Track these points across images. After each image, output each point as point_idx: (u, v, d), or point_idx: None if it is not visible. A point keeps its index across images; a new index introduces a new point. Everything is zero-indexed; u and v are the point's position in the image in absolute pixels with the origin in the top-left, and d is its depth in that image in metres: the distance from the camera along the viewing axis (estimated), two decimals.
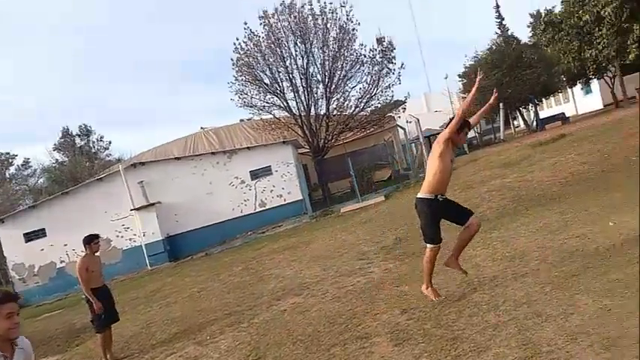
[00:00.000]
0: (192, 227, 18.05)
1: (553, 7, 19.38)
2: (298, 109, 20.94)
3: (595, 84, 29.26)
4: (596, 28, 10.34)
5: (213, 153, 20.11)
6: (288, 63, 20.39)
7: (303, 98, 20.82)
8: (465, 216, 4.82)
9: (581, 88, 31.04)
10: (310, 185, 23.05)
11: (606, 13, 9.67)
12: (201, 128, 27.56)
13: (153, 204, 17.67)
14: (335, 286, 6.89)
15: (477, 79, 4.92)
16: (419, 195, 4.89)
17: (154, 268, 16.72)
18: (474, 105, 5.59)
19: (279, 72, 20.55)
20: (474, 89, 4.79)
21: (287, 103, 20.97)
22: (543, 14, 22.74)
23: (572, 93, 33.69)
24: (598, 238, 5.46)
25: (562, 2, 12.02)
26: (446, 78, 53.28)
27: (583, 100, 33.16)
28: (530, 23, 29.30)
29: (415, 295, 5.37)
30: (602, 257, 4.87)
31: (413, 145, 27.35)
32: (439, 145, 4.74)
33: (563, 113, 28.04)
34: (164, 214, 17.99)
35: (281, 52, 20.24)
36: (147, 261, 17.26)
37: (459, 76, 31.16)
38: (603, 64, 17.96)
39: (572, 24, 10.95)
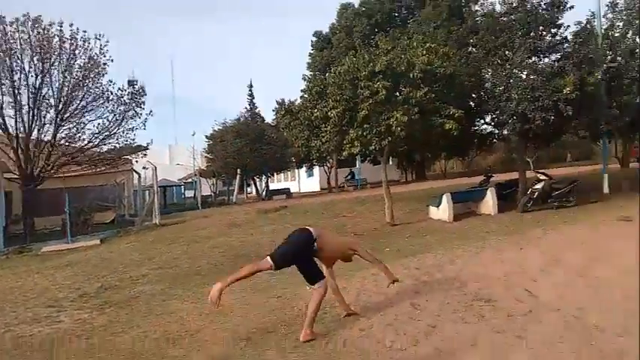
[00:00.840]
0: None
1: (295, 100, 22.17)
2: (17, 129, 17.89)
3: (317, 170, 34.23)
4: (323, 125, 12.13)
5: None
6: (16, 77, 17.55)
7: (26, 119, 17.96)
8: (316, 277, 4.63)
9: (306, 171, 35.80)
10: (10, 216, 19.25)
11: (332, 115, 11.45)
12: None
13: None
14: (8, 336, 5.62)
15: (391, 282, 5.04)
16: (307, 227, 4.81)
17: None
18: None
19: (2, 84, 17.44)
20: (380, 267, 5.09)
21: (3, 119, 17.72)
22: (286, 103, 25.96)
23: (299, 173, 38.51)
24: (296, 300, 5.96)
25: (301, 97, 13.89)
26: (193, 135, 54.32)
27: (306, 181, 38.20)
28: (275, 108, 32.90)
29: (107, 349, 4.80)
30: (297, 317, 5.30)
31: (147, 192, 26.21)
32: (352, 243, 5.17)
33: (289, 189, 31.66)
34: None
35: (11, 63, 17.36)
36: None
37: (206, 137, 32.20)
38: (324, 155, 21.04)
39: (305, 116, 12.59)
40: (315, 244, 4.64)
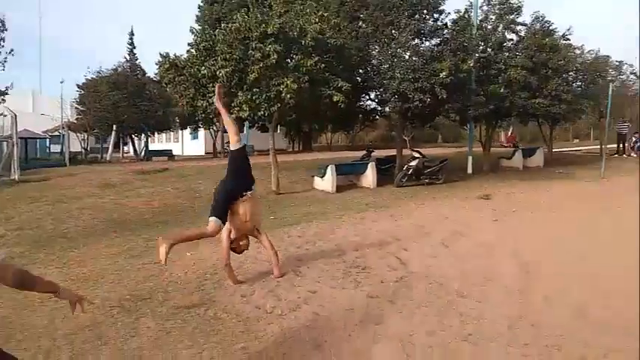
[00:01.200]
0: None
1: (182, 55, 20.90)
2: None
3: (202, 132, 32.96)
4: (211, 84, 11.53)
5: None
6: None
7: None
8: (220, 213, 4.65)
9: (190, 133, 34.31)
10: None
11: (220, 75, 10.94)
12: None
13: None
14: None
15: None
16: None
17: None
18: None
19: None
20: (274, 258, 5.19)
21: None
22: (172, 56, 24.32)
23: (182, 135, 36.80)
24: (174, 266, 5.75)
25: (187, 52, 13.01)
26: (62, 82, 48.75)
27: (190, 144, 36.69)
28: (159, 61, 30.70)
29: None
30: (175, 283, 5.14)
31: (4, 143, 23.10)
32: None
33: (171, 150, 30.12)
34: None
35: None
36: None
37: (78, 85, 29.10)
38: (211, 117, 20.22)
39: (192, 73, 11.85)
40: (250, 192, 4.85)
